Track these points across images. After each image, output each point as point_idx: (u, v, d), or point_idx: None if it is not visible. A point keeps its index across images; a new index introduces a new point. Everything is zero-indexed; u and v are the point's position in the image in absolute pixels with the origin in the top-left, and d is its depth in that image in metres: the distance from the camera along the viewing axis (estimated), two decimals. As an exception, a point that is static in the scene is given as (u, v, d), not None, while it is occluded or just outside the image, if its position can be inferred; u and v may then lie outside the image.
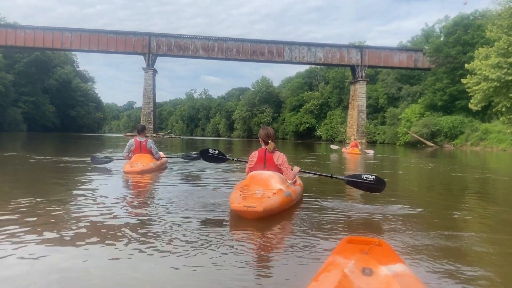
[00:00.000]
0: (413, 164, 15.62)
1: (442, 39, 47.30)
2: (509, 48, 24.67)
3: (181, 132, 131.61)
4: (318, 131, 78.10)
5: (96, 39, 54.38)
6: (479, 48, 28.67)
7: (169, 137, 63.50)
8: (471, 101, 28.35)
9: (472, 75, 27.43)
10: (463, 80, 28.61)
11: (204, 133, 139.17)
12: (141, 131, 8.63)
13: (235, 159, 6.90)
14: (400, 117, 50.27)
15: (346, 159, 16.93)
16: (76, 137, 44.51)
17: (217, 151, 6.77)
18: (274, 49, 56.46)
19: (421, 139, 42.84)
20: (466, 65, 27.86)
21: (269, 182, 4.55)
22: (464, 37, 42.15)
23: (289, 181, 4.90)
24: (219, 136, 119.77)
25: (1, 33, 52.85)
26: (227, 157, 6.83)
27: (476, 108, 28.50)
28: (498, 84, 24.72)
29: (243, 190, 4.43)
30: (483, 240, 3.48)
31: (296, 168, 5.28)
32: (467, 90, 29.06)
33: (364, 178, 5.24)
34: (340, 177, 5.67)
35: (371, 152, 22.30)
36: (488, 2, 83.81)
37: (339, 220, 4.05)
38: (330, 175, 5.82)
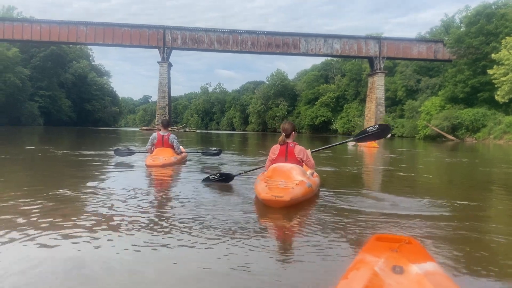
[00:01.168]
0: (435, 158, 15.20)
1: (462, 29, 45.84)
2: (541, 36, 23.21)
3: (196, 126, 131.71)
4: (334, 124, 77.11)
5: (111, 32, 54.18)
6: (507, 37, 27.31)
7: (184, 131, 63.27)
8: (498, 92, 27.10)
9: (499, 66, 26.11)
10: (489, 71, 27.34)
11: (219, 127, 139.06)
12: (166, 125, 8.89)
13: (243, 172, 6.27)
14: (419, 110, 49.06)
15: (364, 153, 16.77)
16: (93, 131, 44.83)
17: (218, 174, 5.94)
18: (289, 41, 55.52)
19: (442, 133, 41.70)
20: (492, 55, 26.55)
21: (291, 174, 4.76)
22: (487, 27, 40.64)
23: (310, 171, 5.26)
24: (233, 129, 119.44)
25: (17, 28, 53.01)
26: (234, 175, 6.05)
27: (503, 100, 27.26)
28: (528, 75, 23.53)
29: (267, 181, 4.64)
30: None
31: (308, 151, 5.41)
32: (493, 81, 27.74)
33: (369, 130, 5.72)
34: (349, 140, 6.11)
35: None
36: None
37: (363, 216, 3.95)
38: (339, 143, 6.49)
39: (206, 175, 6.12)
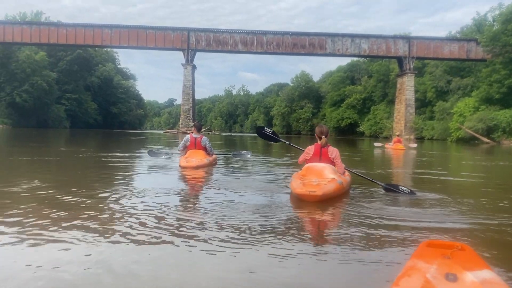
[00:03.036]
0: (474, 161, 14.75)
1: (495, 27, 43.70)
2: None
3: (220, 129, 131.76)
4: (361, 126, 75.41)
5: (136, 35, 54.16)
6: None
7: (208, 133, 62.79)
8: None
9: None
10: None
11: (243, 129, 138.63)
12: (199, 128, 9.13)
13: (287, 143, 7.28)
14: (451, 111, 47.02)
15: (391, 155, 16.74)
16: (119, 133, 45.07)
17: (271, 130, 7.19)
18: (315, 41, 54.26)
19: (476, 135, 39.79)
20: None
21: (323, 172, 5.15)
22: (525, 24, 38.53)
23: (340, 172, 5.52)
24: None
25: (44, 32, 53.58)
26: (280, 139, 7.26)
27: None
28: None
29: (302, 179, 5.06)
30: None
31: (343, 165, 5.79)
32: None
33: (400, 189, 5.62)
34: (380, 183, 5.99)
35: (414, 145, 22.98)
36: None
37: (409, 220, 3.81)
38: (371, 179, 6.29)
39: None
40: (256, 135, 7.80)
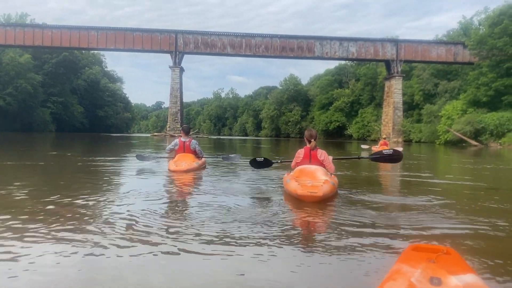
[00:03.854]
0: (462, 164, 14.70)
1: (481, 31, 44.08)
2: None
3: (208, 132, 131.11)
4: (348, 129, 75.57)
5: (123, 37, 53.48)
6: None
7: (197, 136, 62.26)
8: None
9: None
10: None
11: (232, 132, 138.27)
12: (187, 132, 9.08)
13: (279, 161, 7.59)
14: (439, 114, 47.24)
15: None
16: (106, 137, 44.47)
17: (262, 158, 7.35)
18: (304, 44, 54.17)
19: (464, 138, 39.98)
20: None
21: (315, 174, 5.34)
22: (511, 27, 38.86)
23: (330, 172, 5.81)
24: (246, 135, 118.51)
25: (28, 34, 52.59)
26: (273, 162, 7.40)
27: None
28: None
29: (297, 180, 5.16)
30: None
31: (330, 157, 6.04)
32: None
33: (384, 153, 6.42)
34: (366, 157, 6.85)
35: (400, 149, 21.85)
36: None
37: (396, 225, 3.79)
38: (357, 157, 7.42)
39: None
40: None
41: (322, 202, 4.77)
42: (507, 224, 3.95)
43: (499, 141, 37.68)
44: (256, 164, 7.43)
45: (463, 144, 39.81)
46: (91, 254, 2.70)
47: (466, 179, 8.99)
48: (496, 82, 40.28)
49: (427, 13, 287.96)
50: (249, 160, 7.50)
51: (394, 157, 6.56)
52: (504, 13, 40.13)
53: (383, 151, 6.56)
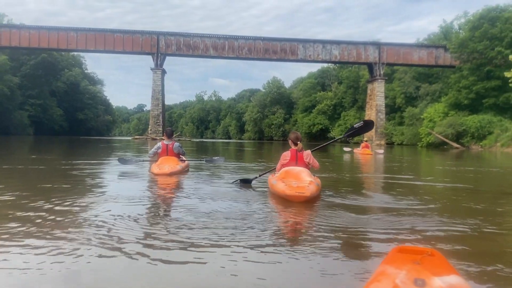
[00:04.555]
0: (445, 167, 14.82)
1: (462, 34, 44.64)
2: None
3: (191, 135, 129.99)
4: (331, 132, 75.71)
5: (103, 39, 52.52)
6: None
7: (179, 139, 61.48)
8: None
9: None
10: (507, 74, 25.76)
11: (215, 135, 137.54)
12: (170, 135, 8.96)
13: (258, 176, 7.03)
14: (421, 117, 47.63)
15: (359, 160, 17.11)
16: (86, 140, 43.43)
17: (238, 180, 6.91)
18: (287, 47, 54.07)
19: (446, 140, 40.33)
20: (510, 57, 24.98)
21: (300, 175, 5.45)
22: (491, 31, 39.38)
23: (316, 168, 6.21)
24: (229, 138, 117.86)
25: (5, 34, 51.24)
26: (256, 176, 6.99)
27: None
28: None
29: (284, 181, 5.27)
30: None
31: (309, 151, 6.10)
32: (510, 85, 26.17)
33: (356, 126, 6.80)
34: (342, 136, 7.17)
35: (381, 151, 23.81)
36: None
37: (382, 227, 3.76)
38: (335, 139, 8.31)
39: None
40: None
41: (308, 203, 4.90)
42: (489, 225, 4.02)
43: (480, 144, 38.08)
44: (244, 184, 6.76)
45: (445, 147, 40.19)
46: (70, 259, 2.63)
47: (449, 181, 9.06)
48: (477, 85, 40.74)
49: (407, 18, 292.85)
50: (239, 182, 6.86)
51: (365, 127, 6.91)
52: (484, 17, 40.67)
53: (354, 125, 6.93)
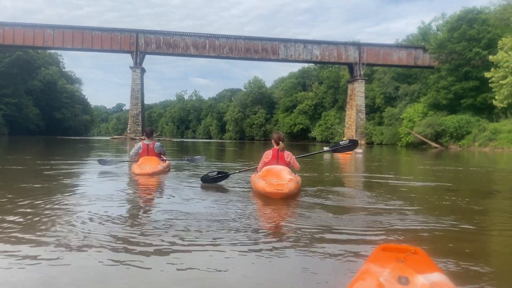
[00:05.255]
0: (422, 166, 15.01)
1: (440, 35, 45.25)
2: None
3: (171, 134, 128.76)
4: (312, 132, 76.00)
5: (80, 36, 51.37)
6: (503, 38, 26.16)
7: (159, 139, 60.72)
8: (496, 97, 25.77)
9: (497, 68, 24.82)
10: (487, 74, 26.06)
11: (195, 135, 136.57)
12: (150, 134, 8.87)
13: (237, 171, 7.30)
14: (401, 117, 48.10)
15: (338, 159, 17.51)
16: (63, 140, 42.36)
17: (216, 172, 6.85)
18: (268, 46, 53.90)
19: (425, 140, 40.78)
20: (490, 57, 25.31)
21: (281, 173, 5.70)
22: (469, 32, 39.99)
23: (297, 169, 6.48)
24: (210, 138, 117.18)
25: (-22, 31, 49.66)
26: (229, 173, 7.03)
27: (502, 105, 25.96)
28: (530, 78, 22.23)
29: (265, 179, 5.54)
30: None
31: (291, 154, 6.37)
32: (490, 85, 26.52)
33: (341, 144, 7.15)
34: (326, 150, 7.40)
35: (360, 151, 23.96)
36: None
37: (366, 226, 3.80)
38: (319, 152, 9.25)
39: (202, 175, 6.90)
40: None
41: (288, 201, 5.08)
42: (470, 223, 4.13)
43: (459, 143, 38.61)
44: (209, 180, 6.75)
45: (424, 146, 40.63)
46: (47, 261, 2.58)
47: (429, 180, 9.19)
48: (455, 86, 41.30)
49: (385, 19, 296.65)
50: (200, 177, 6.88)
51: (350, 145, 7.28)
52: (463, 18, 41.26)
53: (340, 142, 7.34)
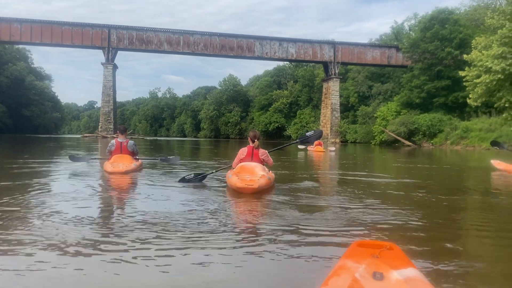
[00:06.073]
0: (396, 164, 15.42)
1: (412, 35, 45.91)
2: (515, 36, 22.34)
3: (144, 133, 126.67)
4: (288, 130, 76.07)
5: (49, 31, 49.65)
6: (476, 38, 26.63)
7: (132, 137, 59.51)
8: (470, 95, 26.21)
9: (471, 67, 25.25)
10: (461, 73, 26.47)
11: (169, 133, 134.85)
12: (123, 132, 8.79)
13: (214, 171, 7.30)
14: (375, 115, 48.64)
15: (312, 157, 17.78)
16: (34, 138, 41.23)
17: (192, 174, 6.90)
18: (244, 44, 53.52)
19: (398, 138, 41.31)
20: (464, 56, 25.72)
21: (254, 170, 6.06)
22: (441, 32, 40.68)
23: (270, 165, 6.67)
24: (184, 136, 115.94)
25: None
26: (206, 173, 7.11)
27: (475, 104, 26.45)
28: (502, 77, 22.58)
29: (238, 175, 5.90)
30: (491, 239, 3.51)
31: (266, 151, 6.62)
32: (464, 84, 26.98)
33: (307, 134, 7.71)
34: (295, 142, 7.86)
35: (333, 149, 24.75)
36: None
37: (343, 222, 3.85)
38: (288, 144, 9.33)
39: (179, 177, 6.99)
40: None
41: (265, 199, 5.18)
42: (443, 219, 4.29)
43: (431, 141, 39.27)
44: (187, 182, 6.75)
45: (397, 144, 41.20)
46: (16, 261, 2.53)
47: (402, 177, 9.48)
48: (428, 85, 41.96)
49: (357, 19, 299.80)
50: (178, 179, 6.90)
51: (317, 135, 7.78)
52: (435, 18, 41.93)
53: (306, 133, 7.84)
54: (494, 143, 11.91)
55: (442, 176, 10.41)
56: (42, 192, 5.45)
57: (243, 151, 6.52)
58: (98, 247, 2.85)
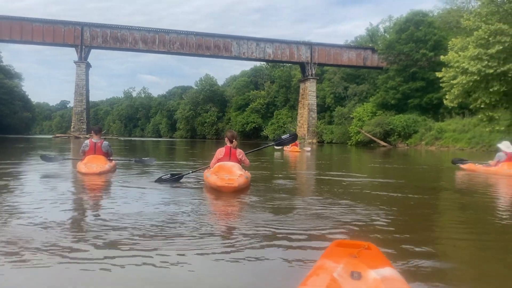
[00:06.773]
0: (372, 164, 15.61)
1: (387, 37, 46.52)
2: (490, 38, 22.86)
3: (118, 133, 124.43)
4: (265, 130, 76.06)
5: (19, 28, 48.00)
6: (453, 39, 27.06)
7: (105, 138, 58.15)
8: (446, 96, 26.58)
9: (448, 68, 25.63)
10: (438, 74, 26.84)
11: (144, 134, 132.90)
12: (98, 132, 8.65)
13: (191, 172, 7.34)
14: (351, 116, 49.07)
15: (288, 157, 17.93)
16: (2, 139, 39.46)
17: (169, 175, 6.86)
18: (221, 43, 53.06)
19: (374, 139, 41.73)
20: (441, 57, 26.09)
21: (232, 169, 6.15)
22: (416, 34, 41.31)
23: (247, 165, 6.84)
24: (160, 136, 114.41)
25: None
26: (183, 174, 7.10)
27: (452, 104, 26.88)
28: (478, 78, 22.99)
29: (217, 174, 5.97)
30: (469, 239, 3.58)
31: (242, 151, 6.86)
32: (441, 85, 27.37)
33: (283, 137, 7.99)
34: (271, 144, 8.15)
35: (308, 149, 25.14)
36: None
37: (322, 222, 3.86)
38: (266, 146, 10.03)
39: (155, 177, 6.92)
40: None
41: (241, 199, 5.21)
42: (420, 218, 4.43)
43: (406, 142, 39.81)
44: (164, 183, 6.70)
45: (372, 145, 41.64)
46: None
47: (378, 177, 9.63)
48: (403, 86, 42.57)
49: (333, 21, 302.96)
50: (155, 180, 6.83)
51: (292, 139, 8.05)
52: (410, 20, 42.57)
53: (282, 136, 8.04)
54: (456, 160, 11.90)
55: (417, 176, 10.63)
56: (10, 194, 5.25)
57: (220, 151, 6.64)
58: (68, 251, 2.73)
